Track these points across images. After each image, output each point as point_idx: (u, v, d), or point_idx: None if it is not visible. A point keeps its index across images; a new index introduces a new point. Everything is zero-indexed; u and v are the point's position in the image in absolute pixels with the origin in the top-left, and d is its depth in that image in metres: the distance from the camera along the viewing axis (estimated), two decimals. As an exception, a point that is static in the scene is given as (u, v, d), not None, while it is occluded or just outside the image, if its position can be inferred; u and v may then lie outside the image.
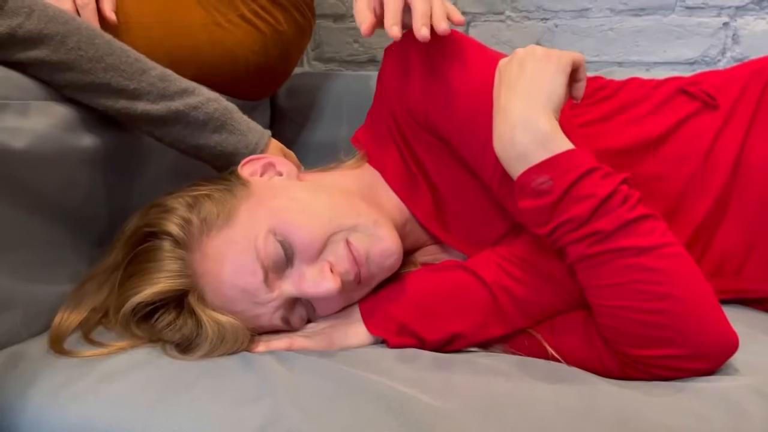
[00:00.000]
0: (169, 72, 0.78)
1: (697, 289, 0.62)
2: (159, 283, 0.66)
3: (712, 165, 0.78)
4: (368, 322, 0.72)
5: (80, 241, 0.78)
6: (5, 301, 0.69)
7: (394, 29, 0.71)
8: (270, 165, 0.78)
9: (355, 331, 0.72)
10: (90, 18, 0.83)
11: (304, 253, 0.68)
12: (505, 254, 0.71)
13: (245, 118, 0.83)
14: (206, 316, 0.66)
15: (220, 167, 0.82)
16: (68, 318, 0.71)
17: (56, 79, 0.72)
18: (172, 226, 0.68)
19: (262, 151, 0.82)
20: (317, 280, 0.68)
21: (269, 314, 0.69)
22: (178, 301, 0.68)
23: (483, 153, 0.70)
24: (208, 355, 0.66)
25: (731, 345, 0.62)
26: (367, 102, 0.87)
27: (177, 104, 0.76)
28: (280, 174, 0.78)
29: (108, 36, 0.75)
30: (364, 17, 0.74)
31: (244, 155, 0.80)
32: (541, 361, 0.69)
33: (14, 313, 0.70)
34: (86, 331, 0.70)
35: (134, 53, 0.76)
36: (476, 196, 0.77)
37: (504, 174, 0.68)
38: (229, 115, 0.80)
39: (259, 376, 0.62)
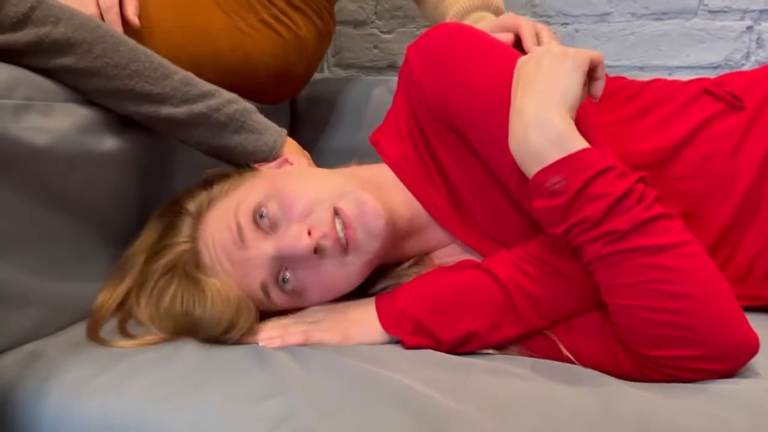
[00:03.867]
0: (191, 75, 0.80)
1: (715, 288, 0.61)
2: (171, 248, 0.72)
3: (738, 166, 0.77)
4: (383, 319, 0.71)
5: (100, 240, 0.79)
6: (26, 298, 0.70)
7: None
8: (285, 161, 0.83)
9: (371, 328, 0.71)
10: (113, 21, 0.85)
11: (288, 212, 0.70)
12: (522, 254, 0.71)
13: (263, 117, 0.85)
14: (204, 280, 0.69)
15: (239, 166, 0.84)
16: (107, 301, 0.74)
17: (82, 84, 0.74)
18: (189, 202, 0.75)
19: (279, 149, 0.85)
20: (294, 238, 0.68)
21: (249, 276, 0.70)
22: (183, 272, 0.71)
23: (500, 151, 0.70)
24: (215, 323, 0.67)
25: (751, 346, 0.60)
26: (387, 107, 0.88)
27: (199, 107, 0.78)
28: (291, 164, 0.82)
29: (132, 42, 0.76)
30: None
31: (263, 153, 0.84)
32: (558, 363, 0.68)
33: (34, 310, 0.72)
34: (122, 320, 0.73)
35: (158, 58, 0.77)
36: (494, 195, 0.76)
37: (521, 173, 0.67)
38: (248, 115, 0.83)
39: (273, 373, 0.62)
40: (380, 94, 1.26)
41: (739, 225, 0.77)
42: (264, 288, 0.71)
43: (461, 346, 0.70)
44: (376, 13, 1.54)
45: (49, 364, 0.66)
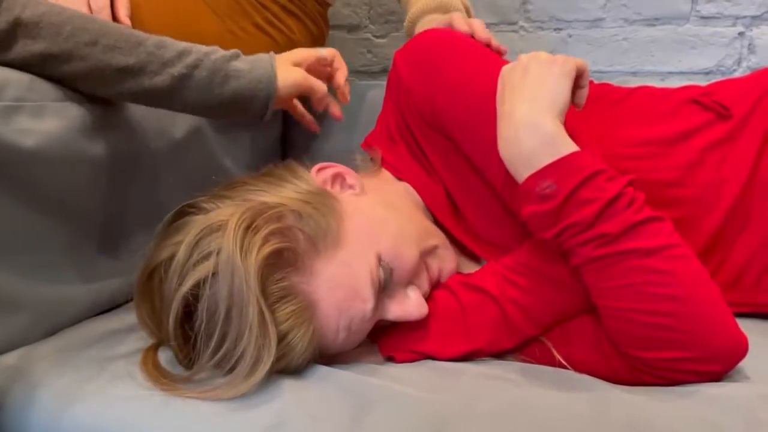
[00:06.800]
0: (165, 38, 0.76)
1: (704, 290, 0.61)
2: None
3: (726, 174, 0.77)
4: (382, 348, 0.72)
5: (91, 244, 0.79)
6: (15, 302, 0.70)
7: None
8: (339, 176, 0.74)
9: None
10: (104, 23, 0.85)
11: (403, 276, 0.69)
12: (510, 264, 0.71)
13: (245, 58, 0.80)
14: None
15: (249, 116, 0.80)
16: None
17: (64, 73, 0.72)
18: (288, 241, 0.62)
19: (275, 75, 0.79)
20: (415, 305, 0.69)
21: (362, 336, 0.68)
22: None
23: (488, 152, 0.70)
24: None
25: (740, 347, 0.61)
26: (380, 110, 0.88)
27: (178, 68, 0.75)
28: (353, 188, 0.74)
29: (101, 19, 0.75)
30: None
31: (262, 92, 0.78)
32: (550, 368, 0.68)
33: (24, 314, 0.71)
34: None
35: (129, 30, 0.75)
36: (485, 198, 0.77)
37: (507, 175, 0.68)
38: (227, 63, 0.77)
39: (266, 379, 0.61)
40: (374, 98, 1.25)
41: (729, 232, 0.77)
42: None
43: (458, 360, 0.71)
44: (369, 18, 1.54)
45: (39, 371, 0.65)
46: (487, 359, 0.71)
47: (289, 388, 0.60)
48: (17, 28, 0.69)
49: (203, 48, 0.77)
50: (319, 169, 0.73)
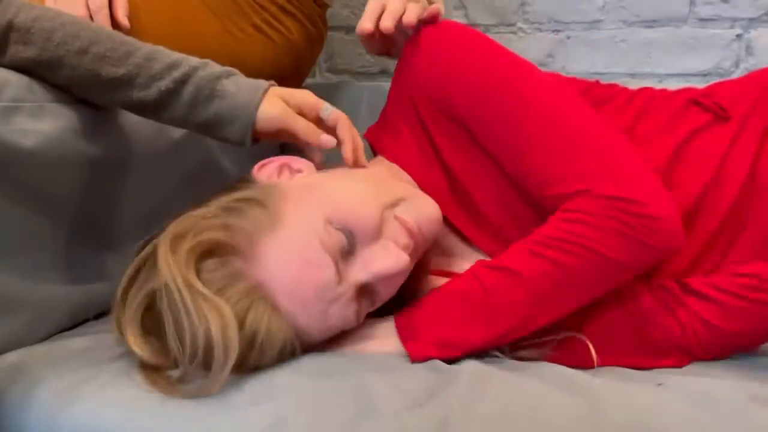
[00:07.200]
0: (158, 49, 0.74)
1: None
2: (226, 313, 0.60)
3: (724, 176, 0.77)
4: (405, 340, 0.70)
5: (90, 245, 0.79)
6: (15, 303, 0.70)
7: (365, 24, 0.80)
8: (285, 166, 0.74)
9: (390, 344, 0.71)
10: (103, 23, 0.85)
11: (365, 234, 0.67)
12: (538, 238, 0.70)
13: (237, 80, 0.75)
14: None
15: (231, 140, 0.75)
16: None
17: (57, 80, 0.72)
18: (218, 233, 0.63)
19: (259, 104, 0.73)
20: (387, 258, 0.66)
21: (342, 309, 0.66)
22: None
23: (509, 141, 0.72)
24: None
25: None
26: (379, 113, 0.88)
27: (166, 82, 0.72)
28: (300, 171, 0.74)
29: (96, 26, 0.74)
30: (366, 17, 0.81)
31: (240, 118, 0.73)
32: (547, 368, 0.68)
33: (23, 314, 0.71)
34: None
35: (121, 37, 0.73)
36: (498, 185, 0.76)
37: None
38: (216, 81, 0.73)
39: (263, 378, 0.62)
40: (372, 99, 1.25)
41: (726, 233, 0.78)
42: (358, 316, 0.68)
43: (493, 345, 0.70)
44: (368, 19, 1.54)
45: (37, 371, 0.65)
46: (484, 359, 0.70)
47: (288, 388, 0.60)
48: (9, 32, 0.69)
49: (194, 61, 0.74)
50: (260, 167, 0.74)
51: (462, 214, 0.80)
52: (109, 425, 0.60)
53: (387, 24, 0.79)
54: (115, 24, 0.86)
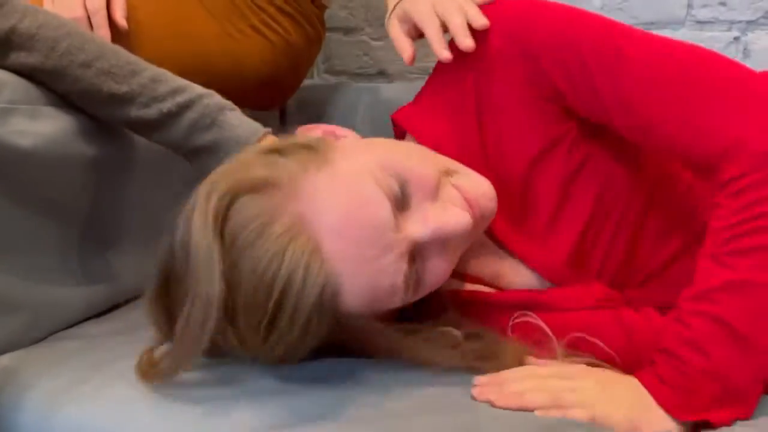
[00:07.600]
0: (163, 72, 0.75)
1: None
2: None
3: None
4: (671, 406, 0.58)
5: (89, 246, 0.79)
6: (13, 303, 0.70)
7: (444, 53, 0.71)
8: (329, 132, 0.69)
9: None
10: (101, 24, 0.84)
11: (423, 190, 0.60)
12: (721, 236, 0.59)
13: (240, 116, 0.76)
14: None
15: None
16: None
17: (57, 88, 0.72)
18: (259, 170, 0.57)
19: (256, 143, 0.74)
20: (448, 215, 0.60)
21: (394, 264, 0.57)
22: None
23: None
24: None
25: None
26: (377, 112, 0.87)
27: (168, 105, 0.73)
28: (345, 136, 0.69)
29: (101, 39, 0.74)
30: (403, 47, 0.75)
31: (236, 151, 0.70)
32: None
33: (20, 315, 0.71)
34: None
35: (127, 56, 0.74)
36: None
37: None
38: (220, 111, 0.75)
39: (264, 377, 0.62)
40: (370, 100, 1.25)
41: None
42: (406, 287, 0.59)
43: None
44: (366, 21, 1.54)
45: (33, 372, 0.65)
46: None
47: (288, 389, 0.60)
48: (12, 37, 0.68)
49: (200, 89, 0.75)
50: (305, 130, 0.70)
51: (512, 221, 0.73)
52: (104, 426, 0.60)
53: (468, 43, 0.69)
54: (112, 25, 0.86)
